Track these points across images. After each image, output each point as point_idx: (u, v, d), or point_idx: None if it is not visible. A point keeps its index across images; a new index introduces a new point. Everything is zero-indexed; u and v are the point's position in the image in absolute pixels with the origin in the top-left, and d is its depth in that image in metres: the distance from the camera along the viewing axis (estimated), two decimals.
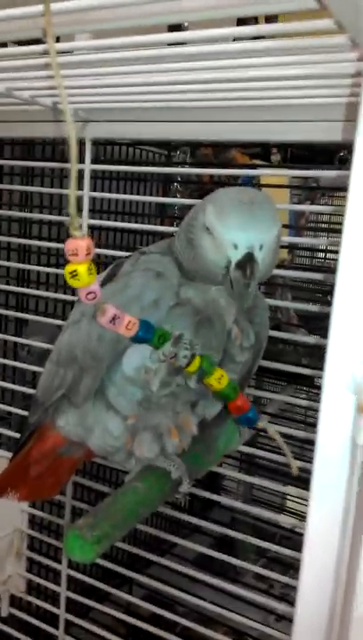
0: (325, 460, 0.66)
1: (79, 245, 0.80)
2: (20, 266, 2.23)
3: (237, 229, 0.94)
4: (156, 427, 1.12)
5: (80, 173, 1.64)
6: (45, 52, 1.09)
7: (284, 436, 1.16)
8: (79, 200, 1.73)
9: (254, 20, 1.81)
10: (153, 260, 1.08)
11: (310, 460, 1.48)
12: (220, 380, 1.04)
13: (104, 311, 0.92)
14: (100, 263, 1.97)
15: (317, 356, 2.93)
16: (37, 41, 1.09)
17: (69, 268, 0.83)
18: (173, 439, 1.12)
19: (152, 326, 0.97)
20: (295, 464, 1.17)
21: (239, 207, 0.95)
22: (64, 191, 1.92)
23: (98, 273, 1.58)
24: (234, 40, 1.05)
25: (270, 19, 1.90)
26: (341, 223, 0.70)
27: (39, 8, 0.77)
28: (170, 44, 1.02)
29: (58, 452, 1.30)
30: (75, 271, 0.83)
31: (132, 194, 2.45)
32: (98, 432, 1.14)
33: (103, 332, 1.04)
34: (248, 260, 0.93)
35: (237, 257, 0.94)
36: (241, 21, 1.63)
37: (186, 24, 1.48)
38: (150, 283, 1.03)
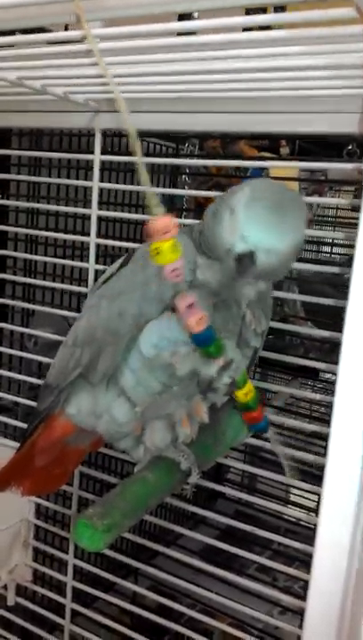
0: (338, 452, 0.66)
1: (159, 225, 0.85)
2: (28, 256, 2.23)
3: (256, 225, 0.92)
4: (169, 416, 1.12)
5: (89, 164, 1.64)
6: (56, 41, 1.09)
7: (290, 429, 1.16)
8: (87, 191, 1.72)
9: (261, 11, 1.80)
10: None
11: (315, 454, 1.49)
12: (247, 394, 1.05)
13: (184, 296, 0.92)
14: (107, 255, 1.98)
15: (323, 349, 2.93)
16: (42, 29, 1.09)
17: (153, 245, 0.87)
18: (184, 428, 1.13)
19: (215, 335, 0.97)
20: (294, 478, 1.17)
21: (271, 206, 0.93)
22: (72, 182, 1.92)
23: (105, 264, 1.60)
24: (244, 30, 1.04)
25: (278, 9, 1.89)
26: (347, 217, 0.69)
27: None
28: (180, 34, 1.02)
29: (65, 442, 1.30)
30: (157, 248, 0.87)
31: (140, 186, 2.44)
32: (106, 417, 1.15)
33: (125, 307, 1.05)
34: (247, 259, 0.92)
35: (240, 249, 0.93)
36: (249, 13, 1.62)
37: (196, 14, 1.47)
38: None
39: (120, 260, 1.15)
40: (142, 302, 1.04)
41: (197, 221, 1.13)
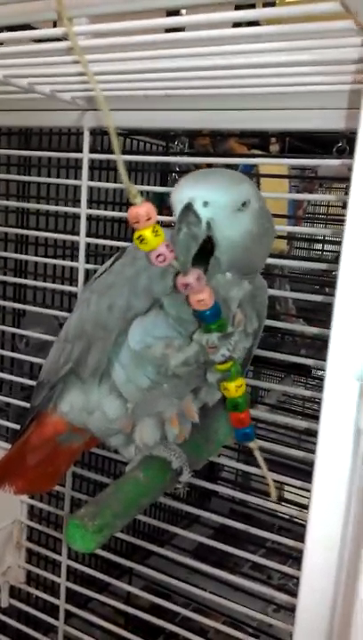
0: (327, 448, 0.66)
1: (139, 212, 0.88)
2: (18, 256, 2.22)
3: (182, 187, 0.94)
4: (159, 414, 1.12)
5: (78, 163, 1.63)
6: (43, 39, 1.08)
7: (283, 426, 1.16)
8: (77, 190, 1.72)
9: (251, 7, 1.79)
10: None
11: (308, 451, 1.49)
12: (238, 388, 1.04)
13: (187, 272, 0.92)
14: (97, 255, 1.97)
15: (315, 346, 2.93)
16: (28, 26, 1.08)
17: (136, 234, 0.90)
18: (173, 427, 1.12)
19: (220, 312, 0.97)
20: (273, 488, 1.16)
21: (197, 173, 0.97)
22: (61, 181, 1.92)
23: (95, 264, 1.59)
24: (233, 25, 1.04)
25: (267, 4, 1.88)
26: (338, 214, 0.69)
27: None
28: (168, 30, 1.01)
29: (57, 440, 1.30)
30: (141, 236, 0.90)
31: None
32: (97, 414, 1.15)
33: (114, 301, 1.05)
34: (185, 209, 0.91)
35: (179, 209, 0.93)
36: (238, 8, 1.61)
37: (184, 11, 1.47)
38: None
39: (113, 258, 1.15)
40: (131, 296, 1.04)
41: None
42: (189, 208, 0.91)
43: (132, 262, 1.06)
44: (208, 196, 0.92)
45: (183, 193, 0.92)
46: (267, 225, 1.00)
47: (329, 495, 0.66)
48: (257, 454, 1.12)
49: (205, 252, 0.94)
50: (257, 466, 1.10)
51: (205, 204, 0.91)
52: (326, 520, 0.66)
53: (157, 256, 0.90)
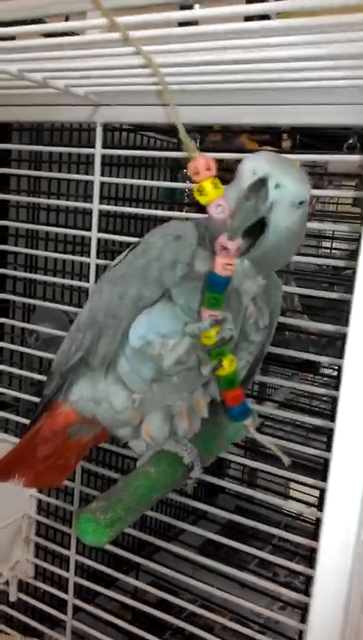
0: (344, 445, 0.66)
1: (198, 164, 0.89)
2: (29, 252, 2.22)
3: (260, 160, 0.95)
4: (168, 407, 1.12)
5: (89, 159, 1.63)
6: (58, 33, 1.08)
7: (291, 423, 1.15)
8: (88, 185, 1.72)
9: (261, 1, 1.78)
10: (172, 226, 1.10)
11: (315, 448, 1.48)
12: (231, 362, 1.04)
13: (234, 237, 0.93)
14: (108, 251, 1.97)
15: (320, 343, 2.93)
16: (40, 21, 1.08)
17: (195, 186, 0.91)
18: (182, 422, 1.12)
19: (226, 288, 0.97)
20: (281, 454, 1.16)
21: (275, 156, 0.98)
22: (73, 176, 1.91)
23: (106, 259, 1.59)
24: (245, 19, 1.03)
25: None
26: (348, 211, 0.68)
27: None
28: (181, 24, 1.01)
29: (67, 433, 1.30)
30: (200, 186, 0.90)
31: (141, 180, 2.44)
32: (105, 404, 1.15)
33: (125, 290, 1.06)
34: (259, 183, 0.93)
35: (251, 179, 0.94)
36: (250, 2, 1.60)
37: (197, 5, 1.46)
38: (169, 244, 1.04)
39: (126, 251, 1.16)
40: (142, 285, 1.05)
41: (199, 215, 1.13)
42: (264, 183, 0.93)
43: (143, 253, 1.07)
44: (283, 180, 0.94)
45: (261, 166, 0.94)
46: (304, 231, 1.02)
47: (344, 493, 0.66)
48: (253, 431, 1.13)
49: (251, 229, 0.95)
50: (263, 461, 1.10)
51: (277, 185, 0.93)
52: (342, 518, 0.66)
53: (217, 206, 0.91)
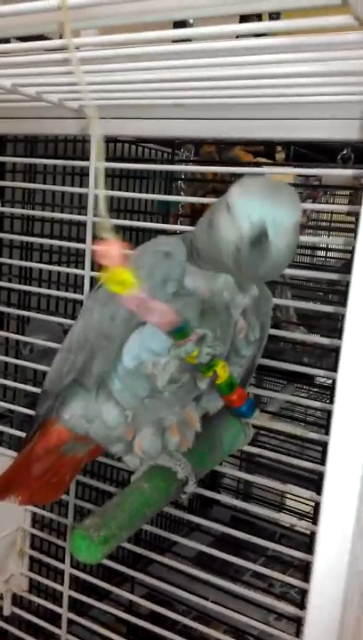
0: (338, 457, 0.66)
1: (111, 248, 0.80)
2: (23, 263, 2.22)
3: (257, 201, 0.92)
4: (159, 421, 1.12)
5: (84, 171, 1.63)
6: (51, 49, 1.08)
7: (285, 434, 1.15)
8: (82, 197, 1.72)
9: (256, 18, 1.80)
10: (161, 242, 1.10)
11: (309, 459, 1.48)
12: (224, 368, 1.03)
13: (130, 298, 0.89)
14: None
15: (315, 354, 2.94)
16: (42, 37, 1.09)
17: (109, 272, 0.82)
18: (173, 437, 1.13)
19: (184, 326, 0.96)
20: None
21: (265, 185, 0.94)
22: (68, 189, 1.92)
23: (100, 271, 1.59)
24: (237, 37, 1.04)
25: (273, 16, 1.89)
26: (342, 222, 0.68)
27: (52, 2, 0.77)
28: (175, 41, 1.02)
29: (61, 450, 1.30)
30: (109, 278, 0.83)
31: (135, 192, 2.45)
32: (97, 422, 1.15)
33: (116, 311, 1.05)
34: (262, 236, 0.91)
35: (250, 230, 0.91)
36: (243, 20, 1.62)
37: (191, 21, 1.47)
38: (159, 262, 1.03)
39: None
40: None
41: (192, 228, 1.13)
42: (266, 235, 0.91)
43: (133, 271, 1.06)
44: (278, 216, 0.91)
45: (256, 211, 0.91)
46: (297, 239, 1.01)
47: (339, 505, 0.66)
48: (263, 419, 1.13)
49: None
50: (259, 473, 1.10)
51: (274, 222, 0.91)
52: (336, 531, 0.66)
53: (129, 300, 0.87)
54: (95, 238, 1.60)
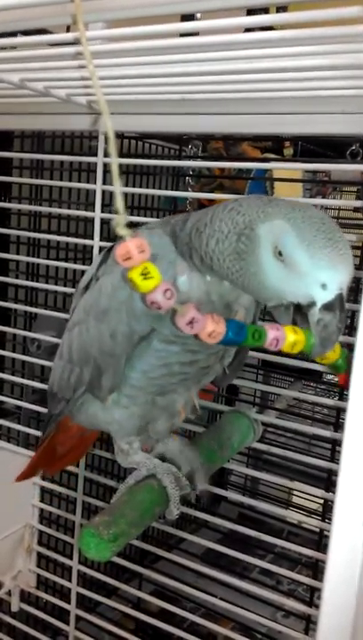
0: (352, 455, 0.65)
1: (130, 246, 0.76)
2: (30, 260, 2.22)
3: (330, 268, 0.82)
4: (170, 406, 1.15)
5: (90, 166, 1.63)
6: (60, 43, 1.08)
7: (292, 431, 1.15)
8: (89, 193, 1.71)
9: (263, 12, 1.79)
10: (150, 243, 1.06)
11: (316, 456, 1.46)
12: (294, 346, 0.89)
13: (181, 315, 0.81)
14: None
15: None
16: (44, 30, 1.07)
17: (135, 271, 0.78)
18: (179, 418, 1.17)
19: (243, 325, 0.86)
20: None
21: (327, 240, 0.83)
22: (75, 184, 1.91)
23: None
24: (246, 30, 1.03)
25: (280, 10, 1.87)
26: (350, 218, 0.67)
27: None
28: (183, 35, 1.01)
29: (82, 433, 1.36)
30: (144, 269, 0.78)
31: (141, 188, 2.44)
32: (115, 426, 1.17)
33: (115, 328, 1.03)
34: (339, 303, 0.82)
35: (326, 298, 0.83)
36: (250, 13, 1.61)
37: (199, 15, 1.46)
38: None
39: (98, 260, 1.13)
40: (131, 321, 1.01)
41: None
42: (342, 301, 0.83)
43: (122, 283, 1.01)
44: (348, 281, 0.84)
45: (330, 275, 0.82)
46: None
47: (353, 503, 0.65)
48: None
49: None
50: (266, 470, 1.09)
51: (346, 285, 0.84)
52: (350, 530, 0.65)
53: (165, 291, 0.79)
54: (102, 235, 1.60)
